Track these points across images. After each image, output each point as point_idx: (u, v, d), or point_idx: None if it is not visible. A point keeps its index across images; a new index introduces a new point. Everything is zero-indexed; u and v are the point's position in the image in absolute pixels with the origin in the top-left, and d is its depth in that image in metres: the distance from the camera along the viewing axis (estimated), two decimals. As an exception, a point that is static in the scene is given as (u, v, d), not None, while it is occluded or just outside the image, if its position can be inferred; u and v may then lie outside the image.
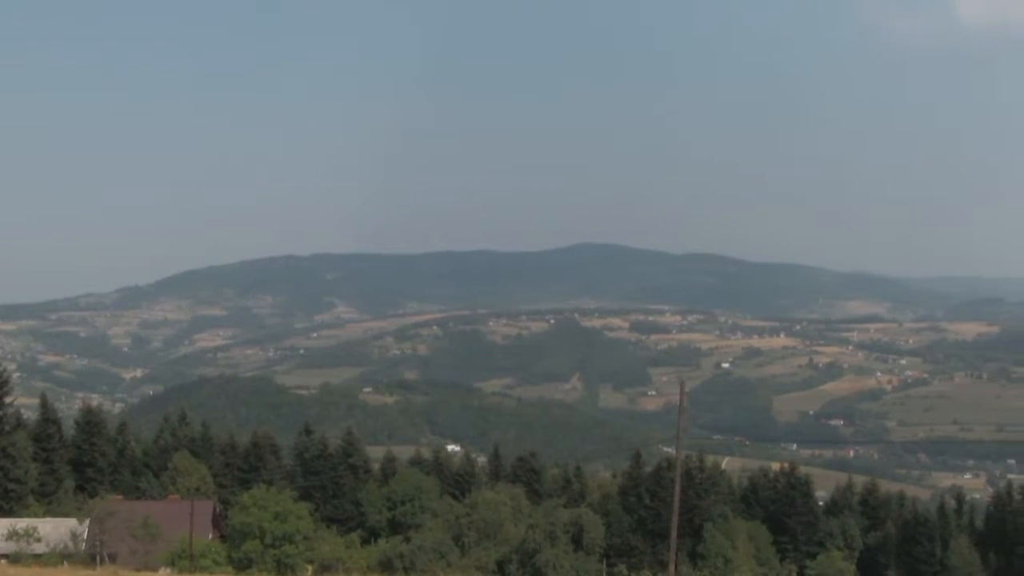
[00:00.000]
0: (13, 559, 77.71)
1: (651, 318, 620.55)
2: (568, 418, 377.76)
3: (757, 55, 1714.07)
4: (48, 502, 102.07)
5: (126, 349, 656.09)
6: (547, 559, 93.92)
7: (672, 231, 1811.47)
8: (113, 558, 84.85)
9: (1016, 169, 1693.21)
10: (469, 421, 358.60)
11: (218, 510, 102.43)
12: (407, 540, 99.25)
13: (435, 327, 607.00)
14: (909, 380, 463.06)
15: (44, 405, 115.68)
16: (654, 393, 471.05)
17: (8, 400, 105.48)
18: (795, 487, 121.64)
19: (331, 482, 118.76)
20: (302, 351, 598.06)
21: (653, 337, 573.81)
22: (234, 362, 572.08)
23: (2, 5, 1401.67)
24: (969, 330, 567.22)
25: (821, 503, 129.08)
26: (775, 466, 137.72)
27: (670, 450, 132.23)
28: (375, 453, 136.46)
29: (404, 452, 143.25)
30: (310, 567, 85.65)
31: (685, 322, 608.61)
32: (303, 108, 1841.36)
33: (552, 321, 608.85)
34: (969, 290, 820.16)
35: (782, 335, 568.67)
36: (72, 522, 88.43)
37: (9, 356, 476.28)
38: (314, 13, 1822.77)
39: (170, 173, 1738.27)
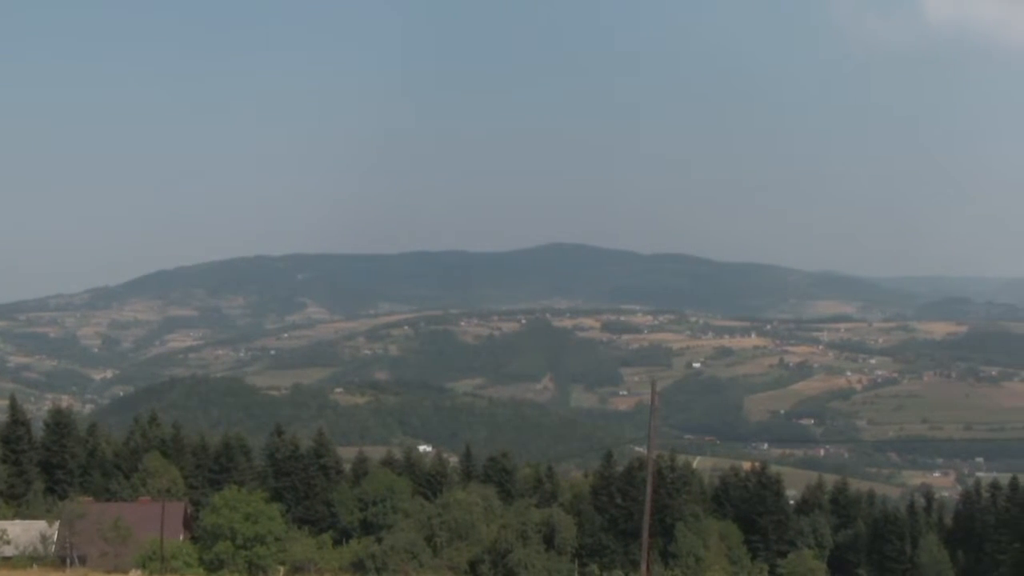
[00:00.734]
0: (-18, 562, 77.29)
1: (622, 318, 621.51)
2: (540, 418, 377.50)
3: (726, 56, 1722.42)
4: (17, 504, 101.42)
5: (96, 350, 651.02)
6: (519, 559, 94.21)
7: (642, 231, 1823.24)
8: (83, 560, 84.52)
9: (982, 170, 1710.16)
10: (441, 421, 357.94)
11: (189, 512, 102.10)
12: (379, 541, 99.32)
13: (406, 327, 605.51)
14: (879, 379, 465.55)
15: (13, 406, 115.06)
16: (625, 393, 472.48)
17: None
18: (766, 486, 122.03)
19: (303, 483, 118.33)
20: (273, 352, 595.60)
21: (624, 337, 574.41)
22: (205, 363, 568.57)
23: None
24: (938, 329, 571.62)
25: (792, 502, 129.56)
26: (746, 465, 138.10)
27: (642, 450, 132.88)
28: (347, 454, 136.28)
29: (376, 453, 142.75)
30: (282, 568, 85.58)
31: (656, 322, 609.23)
32: (274, 109, 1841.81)
33: (523, 321, 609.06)
34: (935, 290, 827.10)
35: (753, 335, 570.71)
36: (42, 524, 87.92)
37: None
38: (286, 15, 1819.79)
39: (140, 173, 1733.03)
